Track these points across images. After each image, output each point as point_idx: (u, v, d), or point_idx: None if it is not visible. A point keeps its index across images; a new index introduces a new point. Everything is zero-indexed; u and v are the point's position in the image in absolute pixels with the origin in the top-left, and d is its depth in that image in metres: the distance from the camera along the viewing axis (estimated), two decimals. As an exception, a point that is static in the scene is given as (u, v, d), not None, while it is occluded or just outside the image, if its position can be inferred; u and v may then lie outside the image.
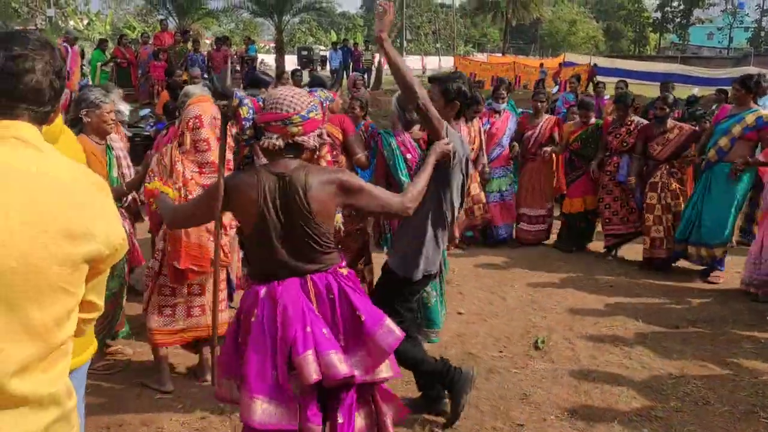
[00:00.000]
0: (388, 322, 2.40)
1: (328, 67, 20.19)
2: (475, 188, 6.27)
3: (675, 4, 57.46)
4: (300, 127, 2.30)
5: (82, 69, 14.68)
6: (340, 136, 4.42)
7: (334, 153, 4.29)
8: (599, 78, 18.49)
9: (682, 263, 6.19)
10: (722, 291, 5.60)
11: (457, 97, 3.14)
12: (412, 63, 35.46)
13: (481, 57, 39.26)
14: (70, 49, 12.98)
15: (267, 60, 24.87)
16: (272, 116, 2.30)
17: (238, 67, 15.67)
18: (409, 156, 4.10)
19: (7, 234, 1.23)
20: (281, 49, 22.33)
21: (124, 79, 14.40)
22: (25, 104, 1.37)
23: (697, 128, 6.39)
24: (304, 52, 29.59)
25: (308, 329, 2.26)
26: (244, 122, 2.37)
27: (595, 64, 21.45)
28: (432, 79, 3.33)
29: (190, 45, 15.46)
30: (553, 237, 7.11)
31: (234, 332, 2.46)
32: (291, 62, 23.88)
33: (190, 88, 3.94)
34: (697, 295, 5.50)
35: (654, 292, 5.57)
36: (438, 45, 57.47)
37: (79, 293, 1.38)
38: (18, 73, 1.35)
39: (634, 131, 6.39)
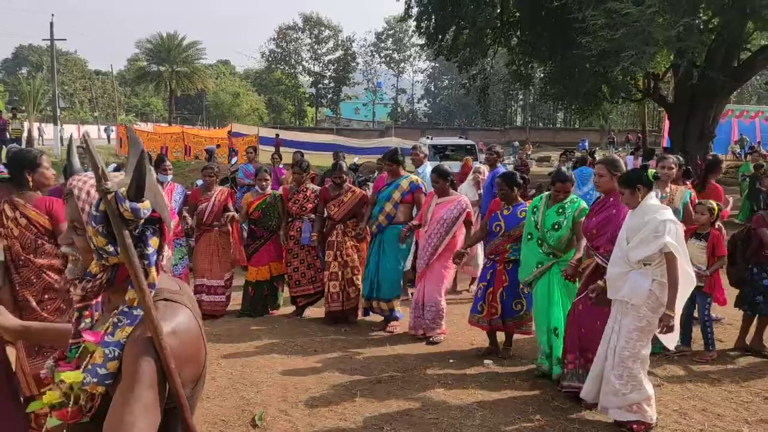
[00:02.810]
0: None
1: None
2: None
3: (326, 81, 63.92)
4: None
5: None
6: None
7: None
8: (263, 147, 19.36)
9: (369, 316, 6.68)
10: (403, 337, 6.17)
11: None
12: (69, 132, 32.75)
13: (146, 127, 38.12)
14: None
15: None
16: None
17: None
18: None
19: None
20: None
21: None
22: None
23: (366, 193, 7.14)
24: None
25: None
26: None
27: (277, 135, 22.44)
28: None
29: None
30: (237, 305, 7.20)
31: None
32: None
33: None
34: (388, 345, 5.94)
35: (354, 346, 5.86)
36: (96, 114, 54.11)
37: None
38: None
39: (311, 196, 6.91)
